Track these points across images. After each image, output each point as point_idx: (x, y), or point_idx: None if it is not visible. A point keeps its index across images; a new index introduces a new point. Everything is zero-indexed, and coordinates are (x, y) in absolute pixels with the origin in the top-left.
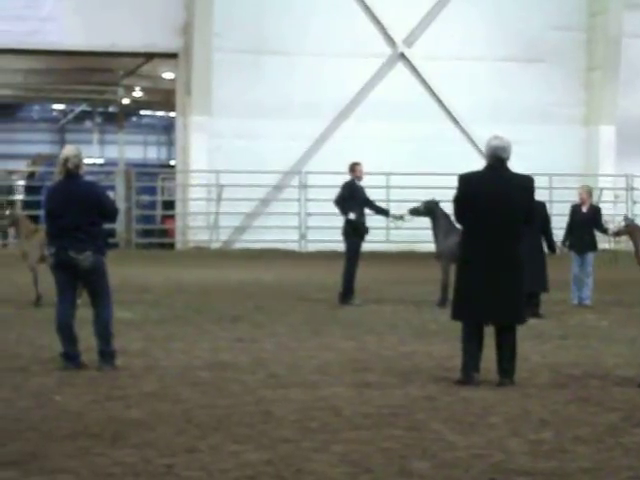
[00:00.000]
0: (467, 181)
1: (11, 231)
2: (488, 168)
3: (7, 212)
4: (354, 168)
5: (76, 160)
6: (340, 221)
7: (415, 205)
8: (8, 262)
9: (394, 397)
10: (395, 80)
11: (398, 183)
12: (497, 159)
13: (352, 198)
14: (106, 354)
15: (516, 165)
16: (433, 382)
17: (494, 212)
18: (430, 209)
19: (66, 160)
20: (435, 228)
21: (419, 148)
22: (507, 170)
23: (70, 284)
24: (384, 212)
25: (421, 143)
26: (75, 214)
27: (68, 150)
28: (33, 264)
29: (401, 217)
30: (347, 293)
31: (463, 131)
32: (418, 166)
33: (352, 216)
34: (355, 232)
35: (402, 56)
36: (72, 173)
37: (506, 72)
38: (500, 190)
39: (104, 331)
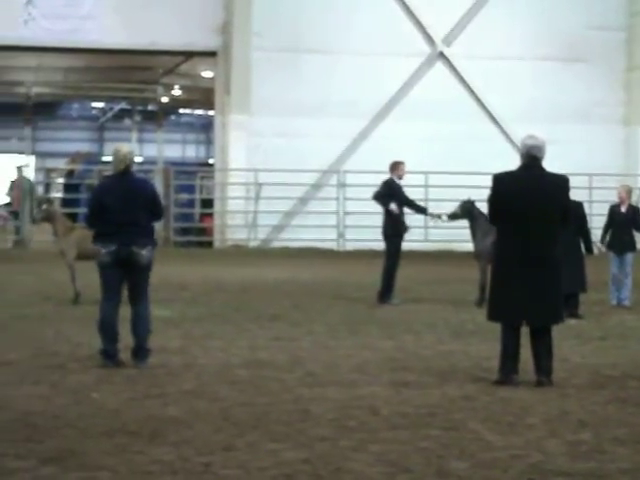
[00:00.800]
0: (501, 181)
1: (47, 227)
2: (523, 168)
3: (43, 206)
4: (397, 167)
5: (132, 156)
6: (379, 220)
7: (453, 209)
8: (47, 259)
9: (432, 397)
10: (434, 79)
11: (436, 182)
12: (532, 158)
13: (390, 196)
14: (144, 351)
15: (555, 165)
16: (471, 382)
17: (529, 212)
18: (467, 210)
19: (125, 156)
20: (473, 228)
21: (458, 147)
22: (542, 169)
23: (120, 282)
24: (422, 210)
25: (460, 142)
26: (135, 210)
27: (124, 147)
28: (71, 261)
29: (439, 216)
30: (387, 292)
31: (502, 130)
32: (456, 165)
33: (393, 207)
34: (395, 231)
35: (441, 55)
36: (128, 169)
37: (545, 71)
38: (535, 190)
39: (146, 329)
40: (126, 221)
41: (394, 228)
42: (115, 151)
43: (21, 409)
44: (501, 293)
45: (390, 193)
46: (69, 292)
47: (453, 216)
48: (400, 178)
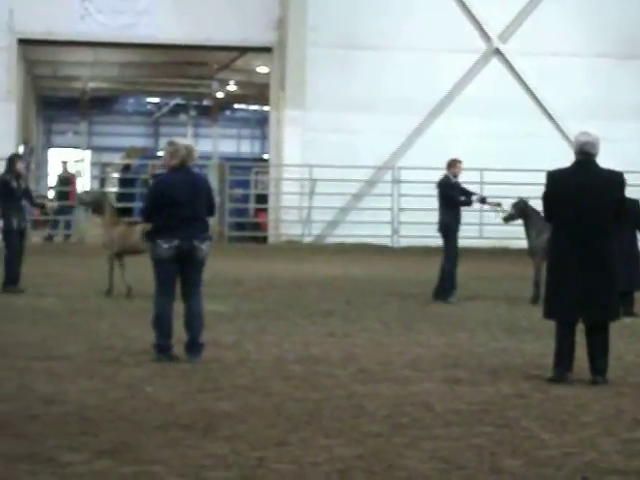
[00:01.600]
0: (555, 178)
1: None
2: (576, 164)
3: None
4: (454, 164)
5: (191, 149)
6: (433, 216)
7: (507, 212)
8: (102, 253)
9: (485, 394)
10: (490, 76)
11: (491, 179)
12: (585, 155)
13: (445, 196)
14: (198, 346)
15: (610, 162)
16: (525, 379)
17: (583, 209)
18: (521, 209)
19: (191, 150)
20: (527, 225)
21: (513, 144)
22: (596, 166)
23: (176, 276)
24: (467, 203)
25: (515, 139)
26: (198, 204)
27: (186, 141)
28: (111, 254)
29: (498, 204)
30: (447, 289)
31: (558, 128)
32: (512, 162)
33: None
34: (454, 228)
35: (497, 52)
36: (184, 164)
37: (600, 68)
38: (589, 186)
39: (200, 322)
40: (189, 215)
41: (453, 225)
42: (173, 143)
43: (76, 403)
44: (556, 290)
45: (445, 193)
46: (123, 286)
47: (509, 218)
48: (455, 176)
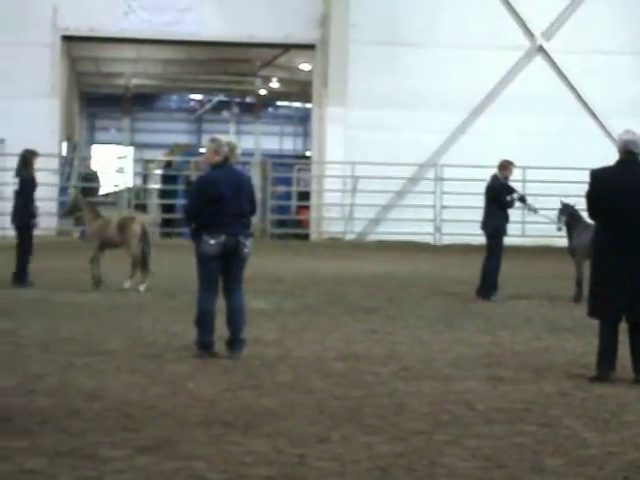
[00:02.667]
0: (598, 176)
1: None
2: (620, 162)
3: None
4: (507, 166)
5: (233, 146)
6: (476, 214)
7: (556, 219)
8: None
9: (527, 392)
10: (533, 73)
11: (534, 177)
12: (629, 153)
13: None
14: (239, 343)
15: None
16: (567, 378)
17: (626, 207)
18: (570, 215)
19: (233, 147)
20: (569, 224)
21: (556, 142)
22: (639, 164)
23: (219, 273)
24: (509, 204)
25: (558, 137)
26: (243, 201)
27: (228, 138)
28: (94, 247)
29: (535, 210)
30: (490, 288)
31: (601, 125)
32: (555, 160)
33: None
34: (501, 228)
35: (541, 49)
36: (227, 161)
37: None
38: (632, 184)
39: (242, 318)
40: (234, 212)
41: (502, 227)
42: (215, 140)
43: (118, 398)
44: (600, 289)
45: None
46: (166, 283)
47: (559, 221)
48: (506, 179)
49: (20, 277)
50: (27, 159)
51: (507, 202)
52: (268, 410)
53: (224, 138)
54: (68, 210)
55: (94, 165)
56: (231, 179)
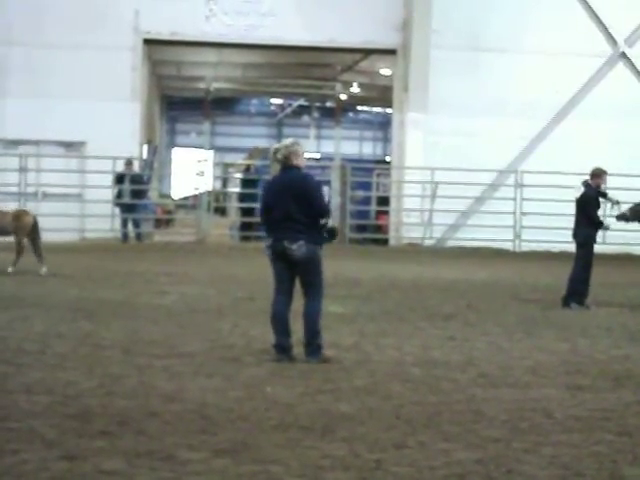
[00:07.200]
0: None
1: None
2: None
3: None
4: (600, 175)
5: (285, 151)
6: (556, 221)
7: (623, 210)
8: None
9: (607, 401)
10: (615, 80)
11: (616, 184)
12: None
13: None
14: (312, 347)
15: None
16: None
17: None
18: (637, 213)
19: (275, 152)
20: None
21: (639, 149)
22: None
23: (287, 275)
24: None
25: None
26: (287, 205)
27: (281, 143)
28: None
29: (617, 202)
30: (576, 295)
31: None
32: (637, 168)
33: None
34: (590, 240)
35: (623, 55)
36: (285, 165)
37: None
38: None
39: (311, 324)
40: (278, 217)
41: (594, 237)
42: (265, 149)
43: (195, 401)
44: None
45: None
46: (246, 286)
47: (621, 217)
48: (599, 187)
49: None
50: None
51: (598, 220)
52: (345, 415)
53: (283, 142)
54: None
55: (135, 167)
56: (279, 184)
